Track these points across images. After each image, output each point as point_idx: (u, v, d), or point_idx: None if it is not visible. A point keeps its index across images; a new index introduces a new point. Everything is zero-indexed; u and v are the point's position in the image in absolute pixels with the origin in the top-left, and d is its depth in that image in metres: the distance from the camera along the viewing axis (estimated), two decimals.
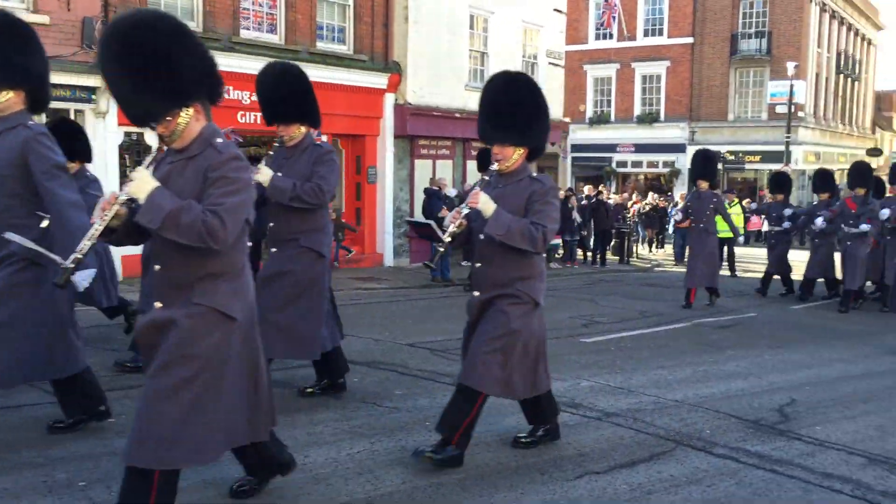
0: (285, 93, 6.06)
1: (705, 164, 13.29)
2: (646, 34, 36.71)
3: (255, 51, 14.75)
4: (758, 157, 34.33)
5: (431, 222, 5.65)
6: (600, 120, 37.23)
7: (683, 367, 8.33)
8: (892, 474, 5.27)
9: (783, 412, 6.69)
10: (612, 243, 21.09)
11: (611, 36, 36.95)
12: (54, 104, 12.27)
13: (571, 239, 19.70)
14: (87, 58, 12.45)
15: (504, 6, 20.09)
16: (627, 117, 36.83)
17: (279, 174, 5.94)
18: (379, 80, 17.18)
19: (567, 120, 27.60)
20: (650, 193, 28.14)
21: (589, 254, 20.73)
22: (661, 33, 36.41)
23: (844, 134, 40.82)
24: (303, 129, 6.12)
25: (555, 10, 22.22)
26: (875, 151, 42.66)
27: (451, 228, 4.91)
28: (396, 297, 12.96)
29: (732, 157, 33.25)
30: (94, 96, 12.60)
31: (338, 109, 16.36)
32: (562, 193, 19.70)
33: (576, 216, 19.31)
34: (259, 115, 16.61)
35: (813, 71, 35.81)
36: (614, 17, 35.90)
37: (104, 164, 12.82)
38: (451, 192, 14.42)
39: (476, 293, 5.11)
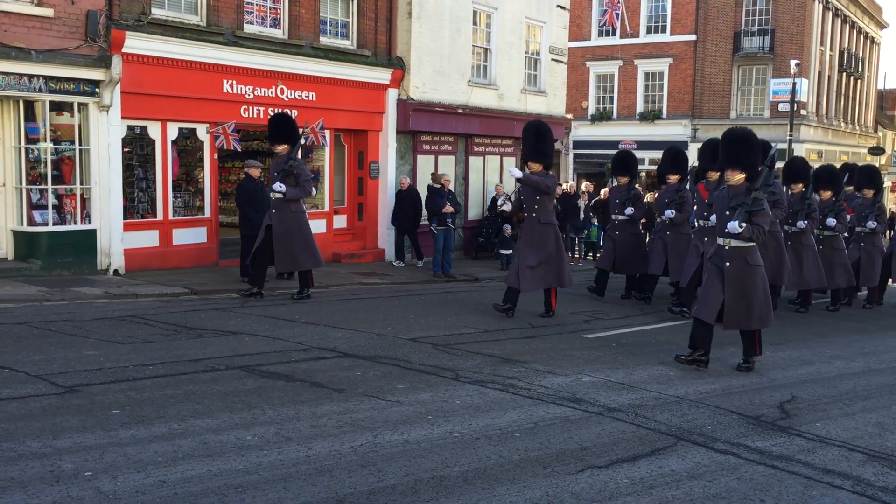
0: None
1: (536, 142, 10.92)
2: (648, 31, 36.69)
3: (259, 45, 14.75)
4: None
5: None
6: (602, 117, 37.22)
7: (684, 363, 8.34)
8: (892, 470, 5.30)
9: (784, 409, 6.72)
10: None
11: (614, 33, 36.93)
12: (57, 97, 12.32)
13: (577, 236, 19.69)
14: (91, 51, 12.45)
15: (507, 2, 20.08)
16: (630, 114, 36.82)
17: None
18: (382, 76, 17.18)
19: (569, 116, 27.59)
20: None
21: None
22: (663, 30, 36.39)
23: (847, 132, 40.78)
24: None
25: (558, 6, 22.19)
26: (877, 150, 42.64)
27: None
28: (398, 292, 12.99)
29: None
30: (97, 90, 12.60)
31: (341, 104, 16.37)
32: (562, 189, 19.61)
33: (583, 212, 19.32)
34: (263, 109, 16.46)
35: (815, 69, 35.78)
36: (617, 15, 35.88)
37: (107, 157, 12.85)
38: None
39: None
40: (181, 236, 14.17)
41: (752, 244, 7.84)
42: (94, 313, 9.63)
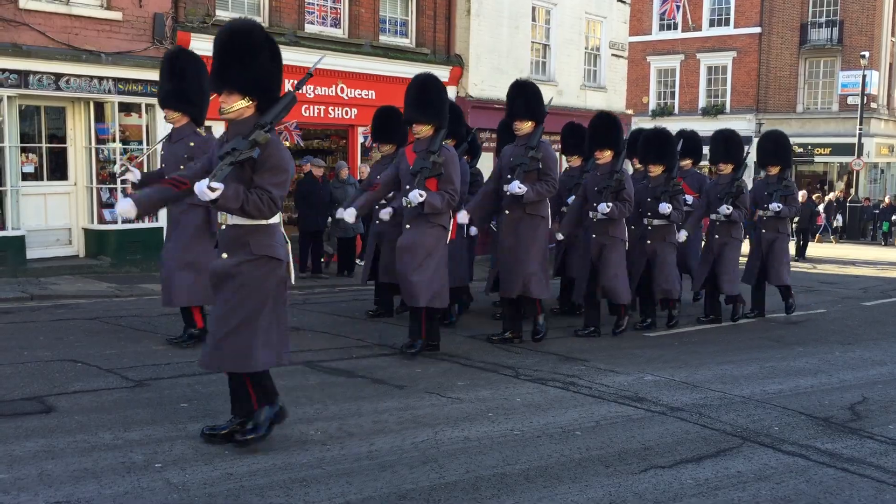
0: None
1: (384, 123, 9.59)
2: (711, 24, 36.05)
3: (320, 45, 14.94)
4: (828, 150, 33.41)
5: None
6: (663, 112, 36.68)
7: (750, 362, 8.18)
8: None
9: (854, 410, 6.52)
10: None
11: (675, 27, 36.38)
12: (125, 98, 12.66)
13: None
14: (157, 53, 12.76)
15: None
16: (692, 109, 36.21)
17: None
18: (441, 74, 17.18)
19: (629, 112, 27.25)
20: None
21: None
22: (727, 23, 35.71)
23: None
24: None
25: (618, 0, 21.97)
26: None
27: None
28: None
29: (801, 150, 32.41)
30: None
31: (400, 102, 16.39)
32: None
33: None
34: (324, 108, 16.52)
35: (886, 60, 34.68)
36: (678, 7, 35.31)
37: None
38: None
39: None
40: None
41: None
42: (161, 309, 9.85)
